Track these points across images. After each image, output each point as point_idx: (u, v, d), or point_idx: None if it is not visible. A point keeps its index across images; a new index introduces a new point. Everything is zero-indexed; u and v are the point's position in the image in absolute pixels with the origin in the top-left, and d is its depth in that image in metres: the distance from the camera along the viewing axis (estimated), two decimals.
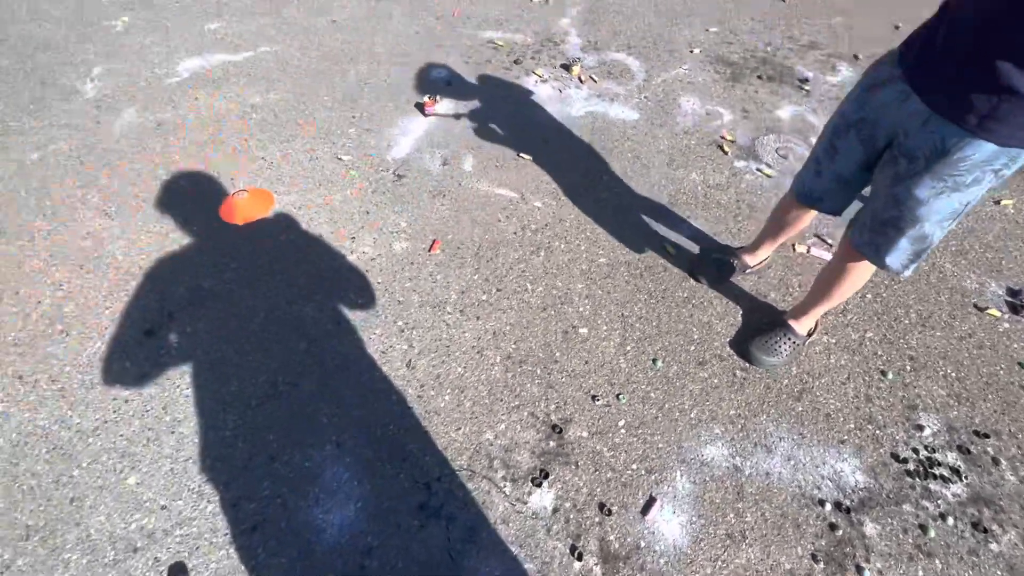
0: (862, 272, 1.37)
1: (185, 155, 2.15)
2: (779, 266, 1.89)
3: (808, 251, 1.95)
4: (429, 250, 1.88)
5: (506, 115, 2.43)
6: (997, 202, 2.18)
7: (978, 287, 1.88)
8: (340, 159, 2.18)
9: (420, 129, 2.34)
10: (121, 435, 1.42)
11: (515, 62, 2.72)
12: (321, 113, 2.38)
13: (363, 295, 1.74)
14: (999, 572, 1.29)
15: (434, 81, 2.59)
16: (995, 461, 1.47)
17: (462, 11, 3.06)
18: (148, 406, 1.47)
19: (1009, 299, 1.85)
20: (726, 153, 2.31)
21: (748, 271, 1.81)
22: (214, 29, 2.81)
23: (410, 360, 1.60)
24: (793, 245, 1.96)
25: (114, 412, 1.45)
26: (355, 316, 1.69)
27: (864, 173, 1.27)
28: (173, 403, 1.48)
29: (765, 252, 1.77)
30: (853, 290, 1.44)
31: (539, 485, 1.38)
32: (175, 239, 1.86)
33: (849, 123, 1.23)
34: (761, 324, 1.70)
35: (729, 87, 2.66)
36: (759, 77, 2.73)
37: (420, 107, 2.42)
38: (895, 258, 1.23)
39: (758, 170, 2.25)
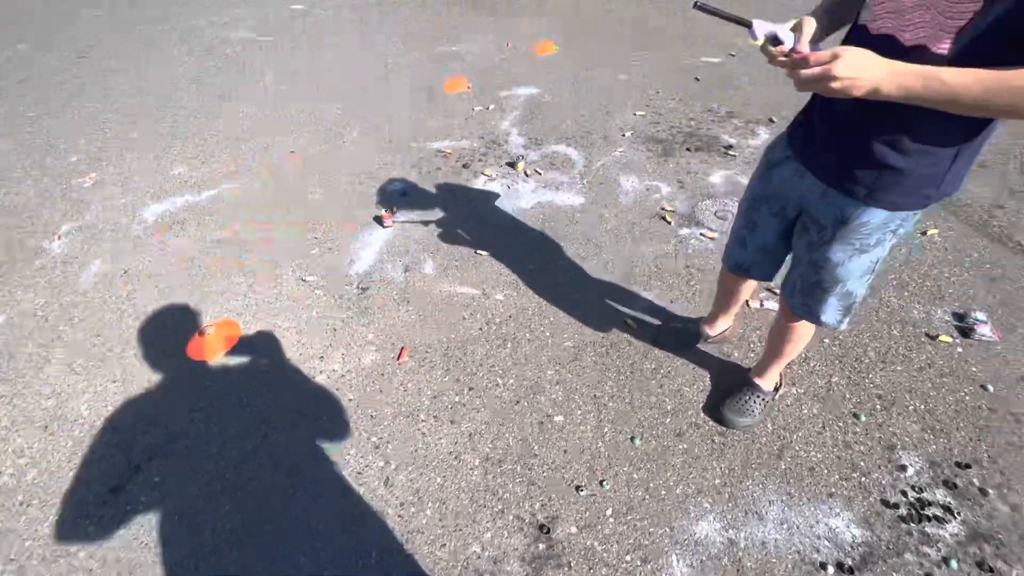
0: (806, 328, 1.44)
1: (151, 299, 2.19)
2: (737, 322, 1.96)
3: (761, 305, 2.04)
4: (398, 359, 1.91)
5: (461, 216, 2.57)
6: (924, 232, 2.34)
7: (925, 316, 1.97)
8: (304, 280, 2.25)
9: (380, 240, 2.45)
10: None
11: (464, 166, 2.93)
12: (284, 239, 2.48)
13: (335, 416, 1.73)
14: None
15: (390, 194, 2.75)
16: (983, 492, 1.47)
17: (412, 127, 3.32)
18: (112, 571, 1.39)
19: (957, 323, 1.93)
20: (669, 223, 2.46)
21: (710, 340, 1.87)
22: (178, 174, 2.98)
23: (387, 477, 1.57)
24: (747, 302, 2.05)
25: None
26: (329, 439, 1.67)
27: (785, 241, 1.37)
28: (139, 566, 1.40)
29: (723, 323, 1.84)
30: (803, 343, 1.50)
31: None
32: (142, 386, 1.85)
33: (759, 200, 1.34)
34: (730, 385, 1.74)
35: (663, 162, 2.89)
36: (688, 149, 2.97)
37: (379, 220, 2.55)
38: (829, 316, 1.30)
39: (701, 235, 2.39)
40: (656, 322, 1.99)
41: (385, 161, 3.00)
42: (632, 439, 1.63)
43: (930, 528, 1.40)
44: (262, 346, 1.98)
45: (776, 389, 1.68)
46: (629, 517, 1.46)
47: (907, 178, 1.01)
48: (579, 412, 1.71)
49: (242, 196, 2.77)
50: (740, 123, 3.19)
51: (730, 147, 2.97)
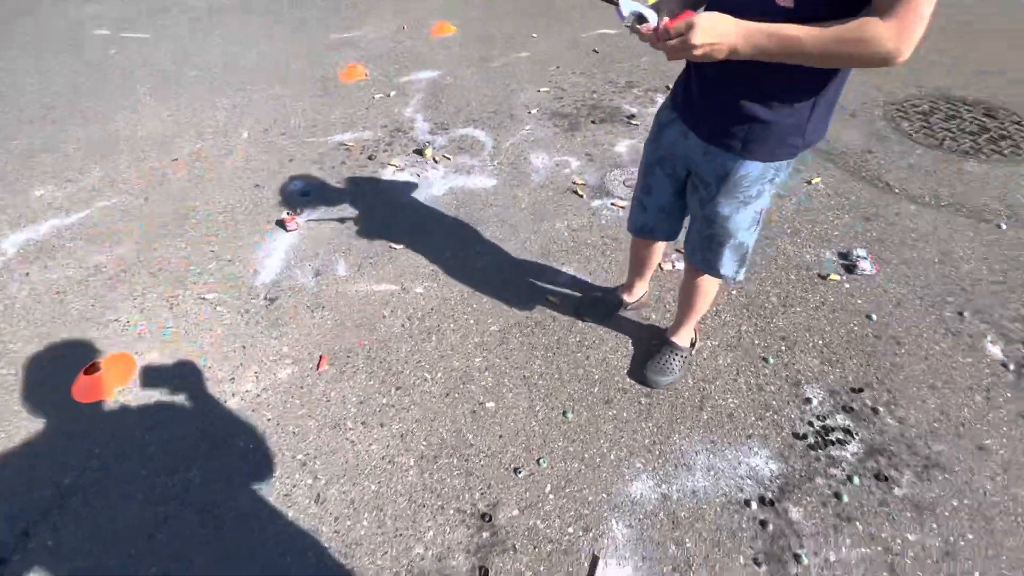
0: (711, 282, 1.51)
1: (23, 340, 1.92)
2: (652, 286, 2.03)
3: (673, 266, 2.12)
4: (317, 368, 1.81)
5: (371, 211, 2.46)
6: (810, 182, 2.53)
7: (816, 258, 2.13)
8: (204, 299, 2.07)
9: (285, 246, 2.30)
10: None
11: (369, 158, 2.80)
12: (175, 256, 2.26)
13: (253, 439, 1.62)
14: (908, 514, 1.40)
15: (291, 194, 2.58)
16: (874, 411, 1.63)
17: (306, 122, 3.12)
18: None
19: (843, 262, 2.11)
20: (581, 196, 2.49)
21: (629, 307, 1.92)
22: (40, 196, 2.62)
23: (318, 494, 1.49)
24: (660, 265, 2.12)
25: None
26: (249, 465, 1.56)
27: (681, 200, 1.42)
28: None
29: (639, 288, 1.89)
30: (711, 297, 1.57)
31: None
32: (21, 439, 1.63)
33: (652, 163, 1.39)
34: (651, 347, 1.80)
35: (570, 136, 2.91)
36: (593, 122, 3.01)
37: (281, 224, 2.39)
38: (727, 268, 1.38)
39: (612, 204, 2.44)
40: (577, 295, 2.02)
41: (282, 160, 2.80)
42: (564, 413, 1.65)
43: (834, 451, 1.54)
44: (163, 377, 1.80)
45: (692, 344, 1.76)
46: (568, 490, 1.48)
47: (774, 130, 1.08)
48: (510, 395, 1.71)
49: (120, 214, 2.49)
50: (640, 92, 3.28)
51: (632, 116, 3.04)
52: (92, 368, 1.77)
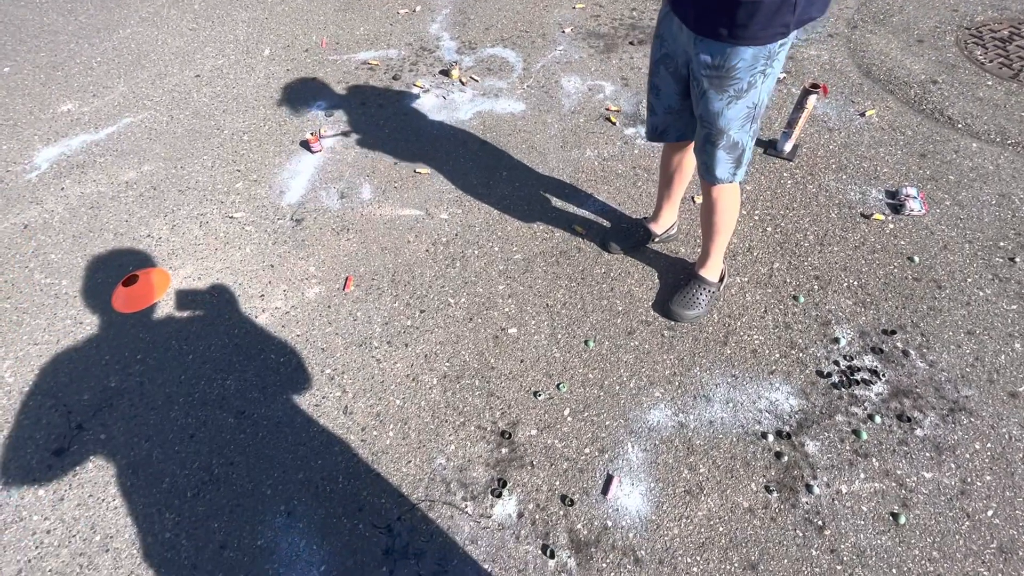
0: (726, 198, 1.46)
1: (62, 252, 1.99)
2: (682, 221, 1.96)
3: None
4: (343, 289, 1.83)
5: (395, 133, 2.39)
6: (862, 114, 2.34)
7: (861, 197, 2.02)
8: (232, 218, 2.09)
9: (310, 168, 2.27)
10: (50, 570, 1.31)
11: (394, 78, 2.69)
12: (203, 174, 2.26)
13: (283, 352, 1.68)
14: (927, 454, 1.40)
15: (315, 115, 2.51)
16: (905, 353, 1.59)
17: (329, 39, 2.98)
18: (73, 530, 1.36)
19: (889, 201, 1.99)
20: (614, 124, 2.37)
21: (657, 239, 1.87)
22: (68, 111, 2.62)
23: (346, 406, 1.56)
24: (693, 198, 2.04)
25: (36, 548, 1.34)
26: (280, 376, 1.63)
27: (686, 101, 1.38)
28: (100, 520, 1.37)
29: (668, 217, 1.82)
30: (729, 216, 1.51)
31: (499, 495, 1.37)
32: (68, 345, 1.73)
33: (657, 61, 1.35)
34: (677, 281, 1.76)
35: (605, 59, 2.73)
36: (631, 43, 2.81)
37: (306, 145, 2.35)
38: (722, 170, 1.36)
39: None
40: (605, 225, 1.97)
41: (305, 79, 2.71)
42: (586, 342, 1.66)
43: (858, 391, 1.52)
44: (196, 291, 1.86)
45: (722, 279, 1.72)
46: (586, 414, 1.51)
47: (760, 9, 1.03)
48: (533, 323, 1.72)
49: (146, 131, 2.48)
50: None
51: None
52: (130, 280, 1.84)
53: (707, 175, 1.40)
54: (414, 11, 3.16)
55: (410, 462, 1.44)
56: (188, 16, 3.25)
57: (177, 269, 1.92)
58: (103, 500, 1.41)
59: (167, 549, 1.33)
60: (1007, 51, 2.59)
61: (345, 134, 2.40)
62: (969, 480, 1.35)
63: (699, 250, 1.87)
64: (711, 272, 1.67)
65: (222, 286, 1.86)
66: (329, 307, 1.79)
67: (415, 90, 2.61)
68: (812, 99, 1.97)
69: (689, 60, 1.23)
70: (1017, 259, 1.79)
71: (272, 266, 1.92)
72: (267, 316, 1.78)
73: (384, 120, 2.47)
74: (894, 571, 1.23)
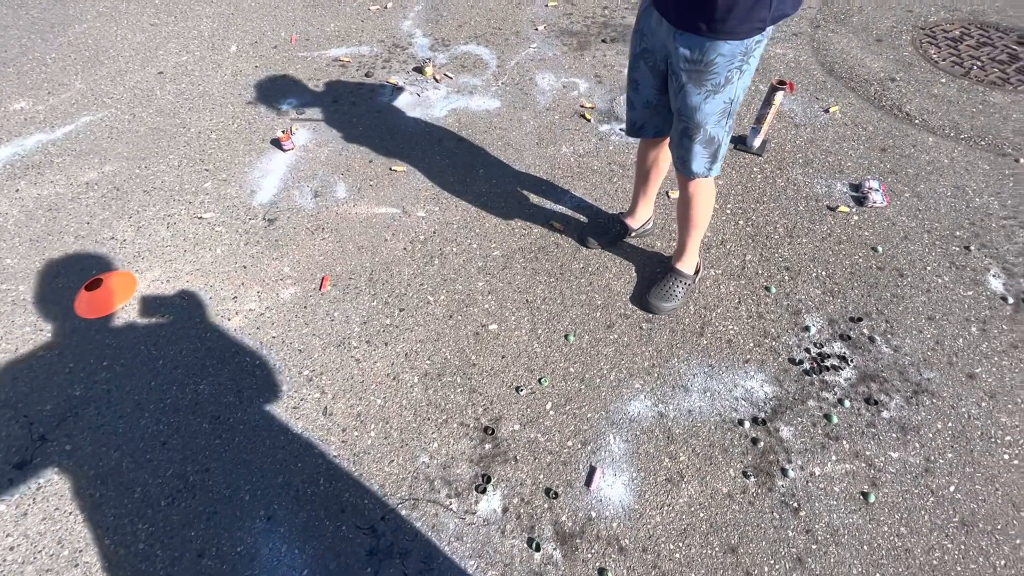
0: (702, 193, 1.49)
1: (18, 256, 1.90)
2: (657, 215, 2.00)
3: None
4: (320, 289, 1.80)
5: (369, 131, 2.36)
6: (827, 110, 2.42)
7: (827, 190, 2.09)
8: (202, 218, 2.03)
9: (282, 166, 2.22)
10: None
11: (366, 75, 2.65)
12: (169, 174, 2.19)
13: (259, 355, 1.64)
14: (893, 435, 1.46)
15: (286, 112, 2.46)
16: (871, 339, 1.65)
17: (298, 36, 2.92)
18: (39, 546, 1.30)
19: (853, 194, 2.07)
20: (589, 120, 2.39)
21: (633, 234, 1.89)
22: (21, 109, 2.50)
23: (326, 407, 1.53)
24: (667, 193, 2.08)
25: None
26: (256, 380, 1.59)
27: (664, 96, 1.41)
28: (68, 534, 1.32)
29: (643, 212, 1.85)
30: (706, 212, 1.55)
31: (484, 491, 1.37)
32: (27, 353, 1.65)
33: (636, 55, 1.37)
34: (654, 274, 1.79)
35: (579, 56, 2.75)
36: (603, 41, 2.84)
37: (277, 143, 2.30)
38: (698, 164, 1.39)
39: (621, 130, 2.34)
40: (582, 220, 1.99)
41: (274, 76, 2.65)
42: (566, 336, 1.67)
43: (828, 377, 1.58)
44: (165, 294, 1.80)
45: (697, 272, 1.76)
46: (568, 408, 1.52)
47: (738, 5, 1.07)
48: (513, 318, 1.72)
49: (106, 130, 2.39)
50: None
51: None
52: (94, 284, 1.76)
53: (683, 169, 1.43)
54: (385, 7, 3.12)
55: (393, 461, 1.43)
56: (149, 11, 3.14)
57: (144, 272, 1.86)
58: (71, 513, 1.35)
59: (141, 560, 1.28)
60: (958, 50, 2.71)
61: (318, 132, 2.36)
62: (932, 458, 1.42)
63: (674, 244, 1.90)
64: (687, 265, 1.71)
65: (192, 289, 1.81)
66: (305, 308, 1.76)
67: (388, 87, 2.58)
68: (779, 96, 2.03)
69: (668, 55, 1.25)
70: (972, 247, 1.89)
71: (245, 267, 1.87)
72: (241, 318, 1.73)
73: (357, 117, 2.43)
74: (865, 548, 1.28)
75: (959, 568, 1.24)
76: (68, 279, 1.84)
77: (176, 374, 1.61)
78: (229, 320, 1.73)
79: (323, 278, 1.83)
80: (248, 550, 1.29)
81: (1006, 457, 1.41)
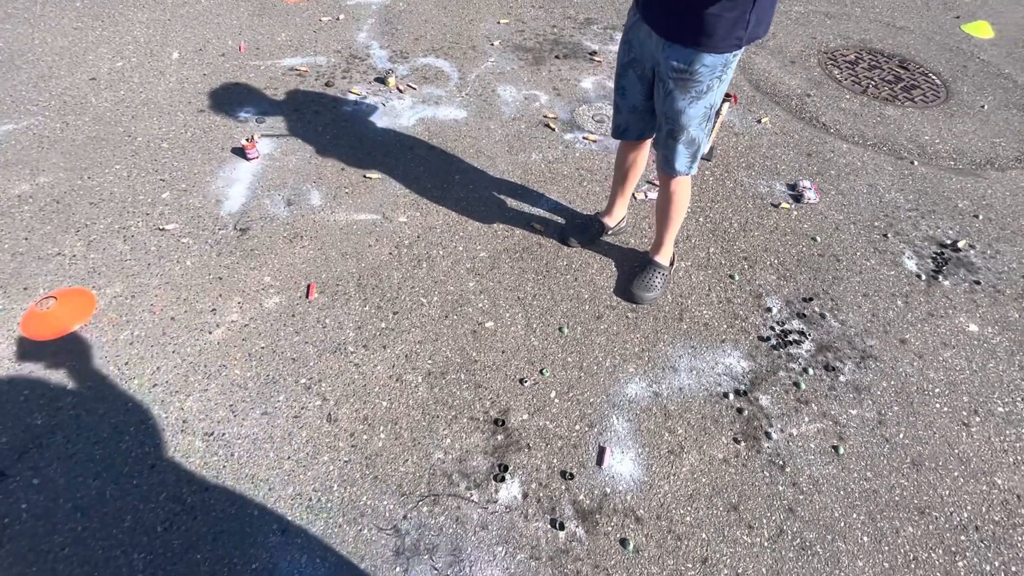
0: (681, 190, 1.65)
1: None
2: (629, 214, 2.14)
3: (645, 196, 2.25)
4: (307, 297, 1.76)
5: (337, 139, 2.34)
6: (759, 121, 2.73)
7: (769, 189, 2.35)
8: (163, 230, 1.90)
9: (248, 175, 2.14)
10: None
11: (326, 85, 2.62)
12: (118, 184, 2.04)
13: (249, 367, 1.57)
14: (850, 395, 1.67)
15: (246, 121, 2.37)
16: (822, 316, 1.88)
17: (247, 44, 2.83)
18: None
19: (791, 192, 2.34)
20: (553, 130, 2.52)
21: (610, 231, 2.02)
22: None
23: (329, 414, 1.49)
24: (633, 195, 2.24)
25: None
26: (248, 392, 1.52)
27: (649, 102, 1.56)
28: (50, 573, 1.18)
29: (620, 211, 1.99)
30: (682, 208, 1.71)
31: (502, 480, 1.40)
32: None
33: (624, 64, 1.52)
34: (633, 268, 1.93)
35: (536, 71, 2.89)
36: (557, 57, 3.00)
37: (240, 152, 2.21)
38: (680, 163, 1.55)
39: (584, 138, 2.50)
40: (560, 221, 2.09)
41: (227, 84, 2.55)
42: (560, 329, 1.75)
43: (793, 350, 1.77)
44: (132, 310, 1.67)
45: (672, 263, 1.91)
46: (571, 394, 1.60)
47: (720, 23, 1.23)
48: (507, 315, 1.78)
49: (34, 139, 2.18)
50: (599, 29, 3.29)
51: (594, 53, 3.06)
52: (43, 303, 1.60)
53: (667, 167, 1.57)
54: (337, 19, 3.11)
55: (407, 461, 1.42)
56: (69, 14, 2.91)
57: (103, 288, 1.71)
58: (48, 552, 1.22)
59: None
60: (856, 72, 3.16)
61: (283, 141, 2.30)
62: (883, 412, 1.64)
63: (647, 240, 2.06)
64: (664, 257, 1.86)
65: (162, 303, 1.69)
66: (293, 316, 1.70)
67: (351, 96, 2.57)
68: (725, 107, 2.26)
69: (656, 64, 1.39)
70: (888, 235, 2.20)
71: (220, 278, 1.78)
72: (223, 331, 1.65)
73: (323, 126, 2.40)
74: (842, 493, 1.45)
75: (916, 501, 1.45)
76: (10, 300, 1.66)
77: (156, 392, 1.50)
78: (211, 333, 1.63)
79: (309, 286, 1.78)
80: (264, 565, 1.23)
81: (937, 406, 1.66)
